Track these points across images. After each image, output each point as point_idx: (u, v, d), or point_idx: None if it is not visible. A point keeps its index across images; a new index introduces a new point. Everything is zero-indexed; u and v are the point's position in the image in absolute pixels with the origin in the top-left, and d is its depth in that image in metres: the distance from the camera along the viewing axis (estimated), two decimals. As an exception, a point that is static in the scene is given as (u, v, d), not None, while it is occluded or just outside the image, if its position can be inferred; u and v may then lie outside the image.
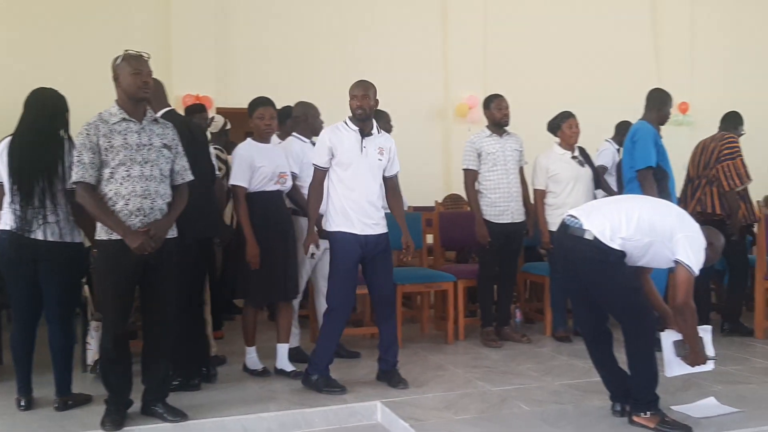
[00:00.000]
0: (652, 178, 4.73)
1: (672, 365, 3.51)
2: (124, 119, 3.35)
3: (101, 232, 3.33)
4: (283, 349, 4.35)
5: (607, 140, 6.57)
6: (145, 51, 3.42)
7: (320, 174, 4.06)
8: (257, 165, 4.16)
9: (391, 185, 4.21)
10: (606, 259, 3.32)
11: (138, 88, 3.33)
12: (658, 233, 3.35)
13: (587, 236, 3.34)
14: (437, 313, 5.82)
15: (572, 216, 3.48)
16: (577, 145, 5.40)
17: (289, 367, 4.30)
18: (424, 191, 8.02)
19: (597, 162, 6.45)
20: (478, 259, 5.36)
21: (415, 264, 5.95)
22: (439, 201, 7.52)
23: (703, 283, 5.12)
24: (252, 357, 4.35)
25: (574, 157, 5.31)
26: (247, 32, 8.21)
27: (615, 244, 3.32)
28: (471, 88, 8.75)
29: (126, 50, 3.41)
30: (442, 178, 8.71)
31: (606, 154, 6.30)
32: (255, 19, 8.28)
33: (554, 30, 9.46)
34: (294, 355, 4.46)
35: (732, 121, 5.74)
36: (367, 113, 3.99)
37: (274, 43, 8.25)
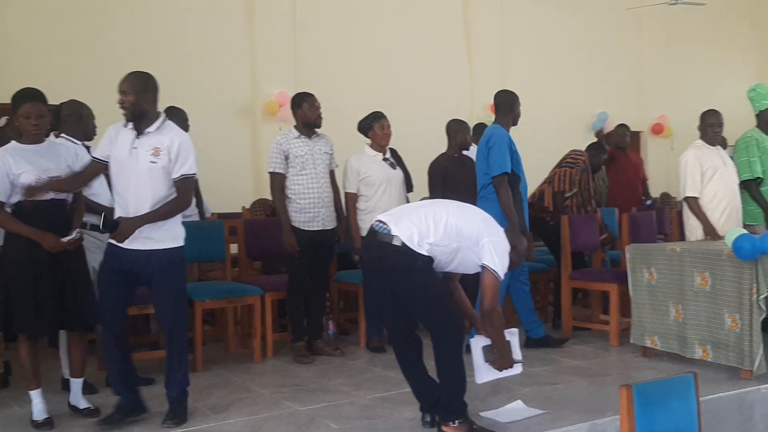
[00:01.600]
0: (507, 185, 5.05)
1: (481, 371, 3.73)
2: None
3: None
4: (77, 385, 4.04)
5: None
6: None
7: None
8: (15, 172, 3.75)
9: (178, 189, 3.80)
10: (414, 265, 3.47)
11: None
12: (465, 238, 3.55)
13: (395, 242, 3.47)
14: (244, 329, 5.75)
15: (381, 221, 3.60)
16: (389, 146, 5.58)
17: (82, 404, 4.01)
18: (231, 196, 7.91)
19: None
20: (287, 270, 5.37)
21: (218, 277, 5.85)
22: (247, 207, 7.43)
23: None
24: (36, 404, 3.83)
25: (385, 159, 5.49)
26: (15, 17, 7.62)
27: (423, 250, 3.47)
28: (281, 85, 8.75)
29: None
30: (251, 181, 8.63)
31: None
32: (24, 1, 7.70)
33: (367, 28, 9.71)
34: (76, 386, 4.20)
35: (595, 151, 6.99)
36: (129, 110, 3.71)
37: (48, 30, 7.71)
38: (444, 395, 3.58)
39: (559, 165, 6.29)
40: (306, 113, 5.20)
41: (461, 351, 3.53)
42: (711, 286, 4.57)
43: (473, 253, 3.56)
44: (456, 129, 5.77)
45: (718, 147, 5.68)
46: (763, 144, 5.71)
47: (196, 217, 5.91)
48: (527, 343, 5.34)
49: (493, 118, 10.51)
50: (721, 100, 8.53)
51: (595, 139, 8.27)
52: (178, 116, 5.22)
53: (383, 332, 5.49)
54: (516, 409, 3.95)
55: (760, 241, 4.28)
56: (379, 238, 3.54)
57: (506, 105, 5.36)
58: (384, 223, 3.57)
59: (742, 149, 5.75)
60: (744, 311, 4.37)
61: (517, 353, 3.78)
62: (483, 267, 3.54)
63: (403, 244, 3.46)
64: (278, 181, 5.15)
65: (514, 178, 5.15)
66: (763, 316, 4.38)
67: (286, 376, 4.82)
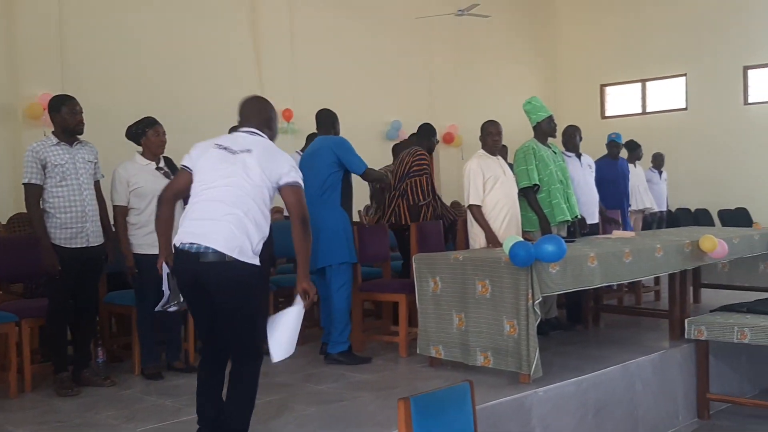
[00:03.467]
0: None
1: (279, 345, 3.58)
2: None
3: None
4: None
5: (297, 152, 7.93)
6: None
7: None
8: None
9: None
10: (253, 282, 3.48)
11: None
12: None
13: (227, 259, 3.39)
14: (-3, 361, 5.27)
15: (192, 243, 3.44)
16: (164, 155, 5.38)
17: None
18: (-15, 210, 7.29)
19: None
20: (47, 293, 4.98)
21: (-36, 304, 5.32)
22: (4, 222, 6.86)
23: None
24: None
25: (159, 168, 5.27)
26: None
27: (256, 258, 3.46)
28: (46, 86, 8.20)
29: None
30: (10, 193, 7.99)
31: None
32: None
33: (143, 26, 9.34)
34: None
35: (426, 134, 6.94)
36: None
37: None
38: (230, 415, 3.56)
39: (408, 176, 6.50)
40: (65, 118, 4.87)
41: (258, 374, 3.61)
42: (491, 293, 4.82)
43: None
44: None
45: (499, 156, 6.06)
46: (540, 153, 6.18)
47: (-62, 236, 5.36)
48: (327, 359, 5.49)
49: (286, 125, 10.81)
50: (508, 110, 9.15)
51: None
52: None
53: (161, 357, 5.28)
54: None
55: (534, 248, 4.57)
56: (204, 260, 3.40)
57: (328, 123, 5.76)
58: (202, 239, 3.43)
59: (521, 159, 6.19)
60: (521, 317, 4.65)
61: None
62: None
63: (235, 259, 3.39)
64: (34, 193, 4.76)
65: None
66: (539, 320, 4.70)
67: (47, 411, 4.46)
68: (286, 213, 8.01)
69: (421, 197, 6.51)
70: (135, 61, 9.12)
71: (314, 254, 5.57)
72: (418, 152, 6.61)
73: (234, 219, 3.42)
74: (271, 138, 3.77)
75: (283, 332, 3.52)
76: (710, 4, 14.29)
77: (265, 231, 3.55)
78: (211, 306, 3.52)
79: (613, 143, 8.42)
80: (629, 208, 8.99)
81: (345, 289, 5.54)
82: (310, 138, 8.24)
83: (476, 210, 5.80)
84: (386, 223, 6.61)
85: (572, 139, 6.96)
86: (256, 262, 3.47)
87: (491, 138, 5.97)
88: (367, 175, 5.65)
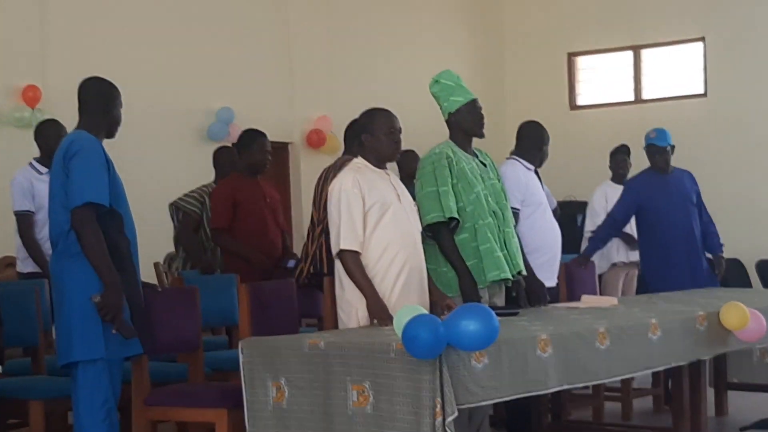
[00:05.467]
0: (95, 222, 5.29)
1: None
2: None
3: None
4: None
5: (33, 163, 8.11)
6: None
7: None
8: None
9: None
10: None
11: None
12: None
13: None
14: None
15: None
16: None
17: None
18: None
19: None
20: None
21: None
22: None
23: None
24: None
25: None
26: None
27: None
28: None
29: None
30: None
31: None
32: None
33: None
34: None
35: (356, 135, 6.68)
36: None
37: None
38: None
39: None
40: None
41: None
42: (373, 405, 4.71)
43: None
44: None
45: (388, 171, 5.95)
46: (459, 165, 6.10)
47: None
48: None
49: (30, 112, 10.55)
50: (418, 96, 9.13)
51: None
52: None
53: None
54: None
55: (445, 326, 4.47)
56: None
57: (100, 101, 5.65)
58: None
59: (428, 174, 6.11)
60: (424, 444, 4.56)
61: None
62: None
63: None
64: None
65: (113, 217, 5.44)
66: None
67: None
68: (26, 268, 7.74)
69: None
70: None
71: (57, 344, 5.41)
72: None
73: None
74: None
75: None
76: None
77: None
78: None
79: (654, 147, 8.53)
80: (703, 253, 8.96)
81: (101, 404, 5.37)
82: (45, 128, 8.06)
83: (351, 260, 5.68)
84: (305, 275, 6.92)
85: (535, 144, 7.01)
86: None
87: (382, 137, 5.81)
88: (73, 215, 5.29)
